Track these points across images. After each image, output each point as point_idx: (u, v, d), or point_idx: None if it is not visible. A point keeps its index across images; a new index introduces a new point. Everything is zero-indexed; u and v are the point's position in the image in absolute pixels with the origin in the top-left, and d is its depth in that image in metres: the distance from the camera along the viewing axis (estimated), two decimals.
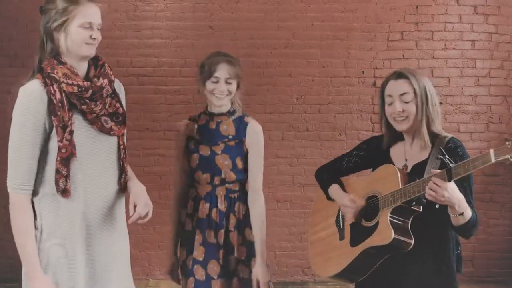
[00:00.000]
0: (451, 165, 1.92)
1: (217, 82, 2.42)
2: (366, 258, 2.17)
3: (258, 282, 2.42)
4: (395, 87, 2.18)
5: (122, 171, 2.09)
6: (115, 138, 2.06)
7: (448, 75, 4.64)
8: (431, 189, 1.92)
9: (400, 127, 2.18)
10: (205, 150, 2.48)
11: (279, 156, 4.68)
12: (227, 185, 2.47)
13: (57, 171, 1.91)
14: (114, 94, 2.07)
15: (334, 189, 2.39)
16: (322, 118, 4.66)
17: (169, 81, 4.60)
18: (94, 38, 1.97)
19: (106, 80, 2.01)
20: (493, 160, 1.81)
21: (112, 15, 4.55)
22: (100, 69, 2.04)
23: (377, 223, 2.14)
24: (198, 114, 2.58)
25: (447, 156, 1.96)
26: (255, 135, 2.51)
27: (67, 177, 1.91)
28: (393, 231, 2.05)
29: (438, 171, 1.95)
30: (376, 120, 4.60)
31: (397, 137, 2.28)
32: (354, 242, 2.23)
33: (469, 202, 2.03)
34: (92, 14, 1.97)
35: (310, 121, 4.66)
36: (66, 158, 1.91)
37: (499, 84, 4.64)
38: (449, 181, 1.91)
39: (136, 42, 4.61)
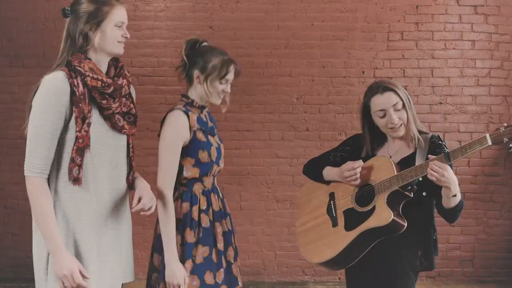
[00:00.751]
0: (447, 150, 2.20)
1: (225, 83, 2.46)
2: (361, 241, 2.33)
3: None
4: (385, 100, 2.35)
5: (130, 168, 2.24)
6: (125, 136, 2.19)
7: (448, 75, 4.65)
8: (433, 170, 2.15)
9: (397, 134, 2.38)
10: (214, 142, 2.49)
11: (279, 156, 4.68)
12: (218, 175, 2.57)
13: (72, 160, 2.01)
14: (129, 95, 2.21)
15: (327, 169, 2.55)
16: (322, 118, 4.66)
17: (169, 81, 4.60)
18: (126, 37, 2.13)
19: (125, 80, 2.16)
20: (489, 142, 2.08)
21: None
22: (120, 70, 2.18)
23: (373, 208, 2.32)
24: (184, 106, 2.44)
25: (443, 142, 2.31)
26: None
27: (80, 166, 2.02)
28: (391, 212, 2.24)
29: (434, 156, 2.20)
30: None
31: (380, 142, 2.48)
32: (349, 227, 2.38)
33: None
34: (123, 14, 2.13)
35: (310, 121, 4.66)
36: (82, 148, 2.02)
37: (499, 84, 4.64)
38: (448, 163, 2.17)
39: (136, 42, 4.61)
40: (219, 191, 2.55)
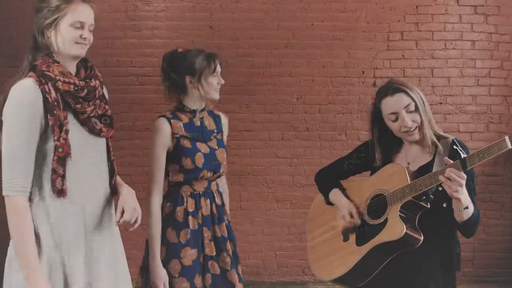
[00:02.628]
0: (464, 155, 1.96)
1: (217, 76, 2.48)
2: (374, 256, 2.15)
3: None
4: (396, 102, 2.18)
5: (112, 172, 2.11)
6: (104, 139, 2.07)
7: (448, 75, 4.64)
8: (448, 178, 1.94)
9: (413, 138, 2.19)
10: (204, 148, 2.47)
11: (279, 156, 4.68)
12: (217, 179, 2.55)
13: (54, 171, 1.88)
14: (103, 97, 2.08)
15: (335, 194, 2.39)
16: (322, 118, 4.66)
17: None
18: (85, 38, 1.96)
19: (97, 82, 2.03)
20: (509, 146, 1.86)
21: (112, 15, 4.56)
22: (91, 71, 2.04)
23: (385, 220, 2.14)
24: (172, 113, 2.49)
25: (460, 148, 2.05)
26: (227, 126, 2.66)
27: (63, 176, 1.89)
28: (404, 225, 2.05)
29: (451, 161, 1.97)
30: None
31: (397, 148, 2.30)
32: (361, 242, 2.21)
33: (472, 200, 2.05)
34: (83, 13, 1.95)
35: (310, 121, 4.66)
36: (63, 157, 1.89)
37: (499, 84, 4.64)
38: (464, 170, 1.94)
39: (136, 42, 4.61)
40: (215, 196, 2.51)
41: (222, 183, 2.67)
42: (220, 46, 4.38)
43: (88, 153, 2.00)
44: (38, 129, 1.87)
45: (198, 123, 2.48)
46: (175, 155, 2.44)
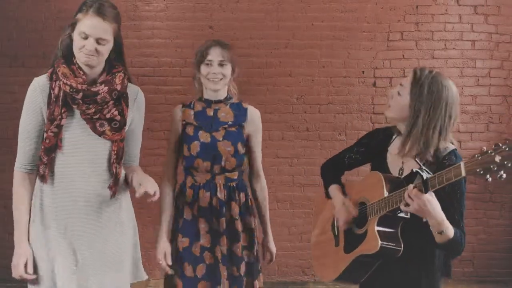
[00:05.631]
0: (426, 176, 1.85)
1: (210, 65, 2.48)
2: (358, 265, 2.19)
3: (271, 255, 2.76)
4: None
5: (112, 175, 2.16)
6: (108, 142, 2.14)
7: (448, 75, 4.59)
8: (408, 199, 1.87)
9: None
10: (205, 137, 2.49)
11: (279, 156, 4.68)
12: (226, 173, 2.52)
13: (39, 159, 2.12)
14: (118, 103, 2.15)
15: (333, 189, 2.40)
16: (322, 118, 4.66)
17: (169, 81, 4.60)
18: (87, 49, 2.04)
19: (106, 88, 2.09)
20: (463, 173, 1.74)
21: None
22: (109, 77, 2.13)
23: (366, 231, 2.13)
24: (191, 102, 2.60)
25: (424, 168, 1.90)
26: (257, 120, 2.64)
27: (46, 165, 2.10)
28: (379, 240, 2.03)
29: (412, 184, 1.88)
30: (376, 120, 4.61)
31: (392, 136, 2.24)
32: (347, 249, 2.25)
33: (456, 221, 1.97)
34: (90, 25, 2.03)
35: (310, 121, 4.66)
36: (49, 148, 2.09)
37: (499, 84, 4.64)
38: (425, 192, 1.84)
39: (136, 42, 4.61)
40: (219, 191, 2.50)
41: (256, 181, 2.69)
42: None
43: (83, 149, 2.12)
44: (40, 119, 2.10)
45: (211, 113, 2.52)
46: (180, 141, 2.56)
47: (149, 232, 4.46)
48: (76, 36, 2.05)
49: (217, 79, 2.48)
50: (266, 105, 4.64)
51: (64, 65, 2.08)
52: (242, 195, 2.57)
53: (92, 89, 2.08)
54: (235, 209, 2.53)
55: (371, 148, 2.32)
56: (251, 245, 2.57)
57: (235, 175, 2.55)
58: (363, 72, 4.63)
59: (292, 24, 4.61)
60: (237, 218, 2.53)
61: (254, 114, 2.63)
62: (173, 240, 2.55)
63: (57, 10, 4.46)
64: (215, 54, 2.47)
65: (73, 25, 2.06)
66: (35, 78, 2.13)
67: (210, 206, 2.49)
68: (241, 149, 2.53)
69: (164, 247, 2.50)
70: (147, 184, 2.08)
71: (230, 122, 2.54)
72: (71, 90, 2.05)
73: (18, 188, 2.17)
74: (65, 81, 2.05)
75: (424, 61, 4.62)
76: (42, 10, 4.54)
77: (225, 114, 2.54)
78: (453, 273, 4.88)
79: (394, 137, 2.22)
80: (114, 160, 2.15)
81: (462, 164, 1.74)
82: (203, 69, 2.49)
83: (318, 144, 4.64)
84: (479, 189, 4.64)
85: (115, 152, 2.15)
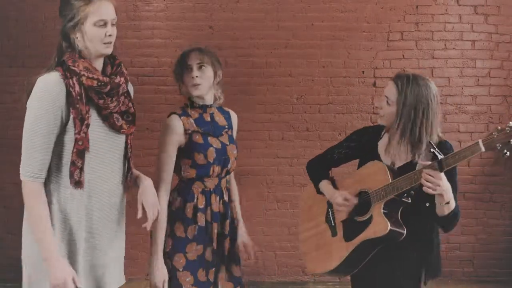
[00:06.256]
0: (440, 156, 2.07)
1: (191, 70, 2.44)
2: (361, 251, 2.28)
3: (246, 246, 2.63)
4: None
5: (128, 170, 2.16)
6: (124, 136, 2.11)
7: (448, 75, 4.64)
8: (426, 180, 2.07)
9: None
10: (216, 143, 2.48)
11: (279, 156, 4.68)
12: (227, 176, 2.54)
13: (73, 163, 1.95)
14: (128, 94, 2.12)
15: (324, 184, 2.48)
16: (322, 118, 4.66)
17: (169, 81, 4.58)
18: (110, 35, 1.99)
19: (122, 78, 2.06)
20: (483, 149, 1.98)
21: None
22: (117, 68, 2.08)
23: (370, 217, 2.26)
24: (182, 109, 2.51)
25: (436, 150, 2.12)
26: (236, 123, 2.66)
27: (81, 169, 1.96)
28: (388, 223, 2.18)
29: (429, 162, 2.10)
30: (376, 120, 4.59)
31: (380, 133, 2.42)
32: (348, 237, 2.33)
33: (454, 197, 2.18)
34: (104, 11, 1.97)
35: (310, 121, 4.66)
36: (82, 150, 1.95)
37: (499, 84, 4.64)
38: (441, 171, 2.07)
39: (136, 42, 4.61)
40: (224, 193, 2.51)
41: (231, 179, 2.66)
42: (220, 46, 4.38)
43: (105, 148, 2.05)
44: (59, 121, 1.93)
45: (209, 118, 2.50)
46: (187, 150, 2.45)
47: (149, 232, 4.47)
48: (90, 28, 1.95)
49: (198, 83, 2.43)
50: (266, 105, 4.65)
51: (82, 59, 1.97)
52: (231, 194, 2.63)
53: (115, 81, 2.01)
54: (233, 209, 2.58)
55: (362, 144, 2.44)
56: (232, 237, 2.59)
57: (229, 177, 2.60)
58: (363, 72, 4.63)
59: (292, 24, 4.61)
60: (235, 217, 2.59)
61: (235, 117, 2.66)
62: (176, 253, 2.45)
63: (57, 10, 4.44)
64: (193, 58, 2.44)
65: (76, 22, 1.96)
66: (43, 78, 1.95)
67: (219, 209, 2.50)
68: (237, 152, 2.59)
69: (163, 275, 2.38)
70: (149, 211, 2.09)
71: (226, 126, 2.55)
72: (98, 84, 1.96)
73: (36, 201, 1.93)
74: (89, 75, 1.95)
75: (424, 61, 4.62)
76: (42, 10, 4.54)
77: (220, 118, 2.54)
78: (453, 273, 4.91)
79: (383, 132, 2.40)
80: (130, 154, 2.15)
81: (480, 141, 1.98)
82: (186, 77, 2.46)
83: (318, 144, 4.64)
84: (479, 189, 4.64)
85: (130, 145, 2.14)
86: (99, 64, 2.04)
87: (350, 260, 2.32)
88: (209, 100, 2.52)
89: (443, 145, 2.23)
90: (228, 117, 2.59)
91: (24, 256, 2.04)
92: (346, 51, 4.62)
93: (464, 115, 4.64)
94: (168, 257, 2.43)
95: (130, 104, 2.12)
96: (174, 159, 2.45)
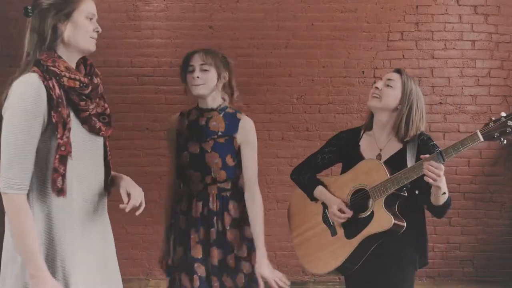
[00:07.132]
0: (438, 149, 2.21)
1: (193, 71, 2.44)
2: (364, 246, 2.34)
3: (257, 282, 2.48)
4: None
5: (108, 172, 2.07)
6: (102, 139, 2.03)
7: (448, 75, 4.64)
8: (429, 171, 2.15)
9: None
10: (194, 148, 2.46)
11: (279, 156, 4.68)
12: (218, 184, 2.46)
13: (55, 170, 1.83)
14: (102, 95, 2.03)
15: (320, 191, 2.52)
16: (322, 118, 4.66)
17: (169, 81, 4.59)
18: (98, 31, 1.94)
19: (98, 79, 1.98)
20: (481, 139, 2.11)
21: (112, 15, 4.56)
22: (90, 68, 2.00)
23: (372, 213, 2.31)
24: (189, 110, 2.58)
25: (434, 142, 2.32)
26: (248, 132, 2.53)
27: (64, 176, 1.84)
28: (392, 217, 2.25)
29: (427, 155, 2.19)
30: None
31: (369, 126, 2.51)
32: (350, 235, 2.37)
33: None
34: (93, 6, 1.95)
35: (310, 121, 4.66)
36: (65, 156, 1.83)
37: (499, 84, 4.64)
38: (443, 162, 2.17)
39: (136, 42, 4.61)
40: (211, 202, 2.45)
41: (250, 198, 2.49)
42: (220, 46, 4.37)
43: (86, 152, 1.95)
44: (40, 127, 1.81)
45: (203, 122, 2.47)
46: (176, 150, 2.56)
47: (149, 232, 4.48)
48: (82, 20, 1.89)
49: (199, 84, 2.42)
50: (266, 105, 4.65)
51: (62, 60, 1.86)
52: (236, 205, 2.49)
53: (94, 81, 1.93)
54: (227, 219, 2.45)
55: (342, 147, 2.54)
56: (250, 256, 2.48)
57: (228, 185, 2.48)
58: (363, 72, 4.63)
59: (292, 24, 4.61)
60: (228, 228, 2.45)
61: (246, 125, 2.52)
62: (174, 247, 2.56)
63: None
64: (196, 59, 2.44)
65: (68, 12, 1.87)
66: (22, 81, 1.81)
67: (202, 216, 2.44)
68: (230, 161, 2.46)
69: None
70: (134, 195, 1.99)
71: (220, 133, 2.45)
72: (80, 85, 1.86)
73: (20, 215, 1.79)
74: (72, 76, 1.85)
75: (424, 61, 4.62)
76: None
77: (216, 123, 2.46)
78: (453, 273, 4.91)
79: (361, 133, 2.51)
80: (109, 157, 2.07)
81: (478, 132, 2.11)
82: (188, 77, 2.46)
83: (318, 144, 4.61)
84: (479, 189, 4.64)
85: (108, 148, 2.06)
86: (72, 64, 1.94)
87: (353, 257, 2.36)
88: (211, 102, 2.49)
89: (423, 135, 2.39)
90: (232, 124, 2.48)
91: (5, 256, 1.92)
92: (346, 51, 4.62)
93: (464, 115, 4.64)
94: (173, 245, 2.56)
95: (106, 105, 2.02)
96: (173, 153, 2.56)
